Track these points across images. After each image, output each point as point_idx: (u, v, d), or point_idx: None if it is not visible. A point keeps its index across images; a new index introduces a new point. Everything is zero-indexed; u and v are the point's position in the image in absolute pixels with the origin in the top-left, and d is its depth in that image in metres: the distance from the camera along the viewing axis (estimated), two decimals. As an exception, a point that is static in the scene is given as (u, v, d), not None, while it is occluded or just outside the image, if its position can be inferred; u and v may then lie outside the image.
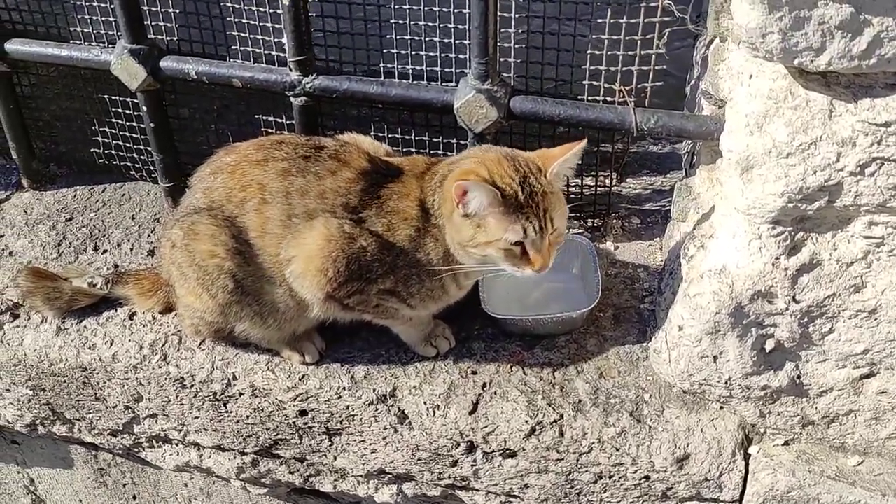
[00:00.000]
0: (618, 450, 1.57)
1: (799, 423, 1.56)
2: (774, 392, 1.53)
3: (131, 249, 2.02)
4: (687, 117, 1.64)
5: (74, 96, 2.19)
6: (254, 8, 1.84)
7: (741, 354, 1.49)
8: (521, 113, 1.71)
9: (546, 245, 1.47)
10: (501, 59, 1.71)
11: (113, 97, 2.08)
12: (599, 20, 1.65)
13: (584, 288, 1.79)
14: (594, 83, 1.72)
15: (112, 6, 1.88)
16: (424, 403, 1.64)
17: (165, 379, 1.76)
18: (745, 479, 1.56)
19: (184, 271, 1.59)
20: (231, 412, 1.77)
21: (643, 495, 1.61)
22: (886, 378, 1.47)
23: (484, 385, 1.66)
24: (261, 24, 1.85)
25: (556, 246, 1.50)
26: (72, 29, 2.02)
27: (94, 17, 1.97)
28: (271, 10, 1.81)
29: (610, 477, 1.59)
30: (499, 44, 1.67)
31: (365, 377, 1.68)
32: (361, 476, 1.80)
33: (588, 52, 1.69)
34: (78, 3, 1.97)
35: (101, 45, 1.98)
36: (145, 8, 1.91)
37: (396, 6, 1.74)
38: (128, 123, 2.10)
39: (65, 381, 1.85)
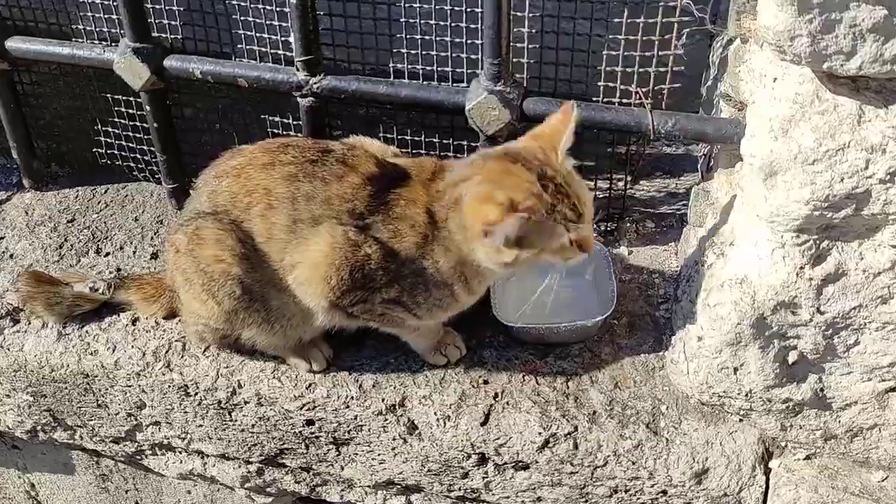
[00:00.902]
0: (634, 463, 1.52)
1: (821, 436, 1.51)
2: (797, 405, 1.48)
3: (134, 252, 1.98)
4: (705, 120, 1.59)
5: (76, 95, 2.15)
6: (260, 6, 1.79)
7: (763, 366, 1.44)
8: (534, 115, 1.66)
9: (588, 226, 1.43)
10: (514, 60, 1.67)
11: (116, 96, 2.03)
12: (616, 19, 1.60)
13: (598, 294, 1.75)
14: (609, 84, 1.67)
15: (115, 3, 1.84)
16: (435, 414, 1.59)
17: (169, 386, 1.72)
18: (765, 494, 1.51)
19: (188, 277, 1.55)
20: (236, 421, 1.72)
21: (659, 509, 1.57)
22: (913, 391, 1.43)
23: (496, 395, 1.61)
24: (267, 22, 1.80)
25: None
26: (74, 26, 1.98)
27: (97, 15, 1.92)
28: (278, 9, 1.77)
29: (626, 491, 1.55)
30: (512, 43, 1.62)
31: (373, 386, 1.64)
32: (369, 486, 1.76)
33: (604, 52, 1.65)
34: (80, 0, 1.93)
35: (104, 43, 1.94)
36: (149, 5, 1.86)
37: (406, 4, 1.70)
38: (130, 123, 2.06)
39: (66, 388, 1.81)
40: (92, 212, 2.10)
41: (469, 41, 1.69)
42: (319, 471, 1.78)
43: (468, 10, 1.66)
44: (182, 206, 2.00)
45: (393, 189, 1.49)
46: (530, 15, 1.64)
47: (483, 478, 1.63)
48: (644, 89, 1.65)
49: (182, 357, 1.72)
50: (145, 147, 2.08)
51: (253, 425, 1.72)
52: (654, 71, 1.63)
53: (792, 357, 1.44)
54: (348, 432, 1.66)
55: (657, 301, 1.77)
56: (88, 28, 1.95)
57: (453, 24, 1.69)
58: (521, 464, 1.58)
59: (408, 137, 1.87)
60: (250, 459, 1.81)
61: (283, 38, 1.79)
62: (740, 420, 1.55)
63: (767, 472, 1.53)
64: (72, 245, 2.01)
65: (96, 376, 1.76)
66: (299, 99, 1.80)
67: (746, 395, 1.49)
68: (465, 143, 1.82)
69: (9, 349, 1.80)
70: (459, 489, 1.66)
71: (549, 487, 1.59)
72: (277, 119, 1.92)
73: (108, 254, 1.98)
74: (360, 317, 1.55)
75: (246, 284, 1.51)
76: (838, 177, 1.26)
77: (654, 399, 1.59)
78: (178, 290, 1.63)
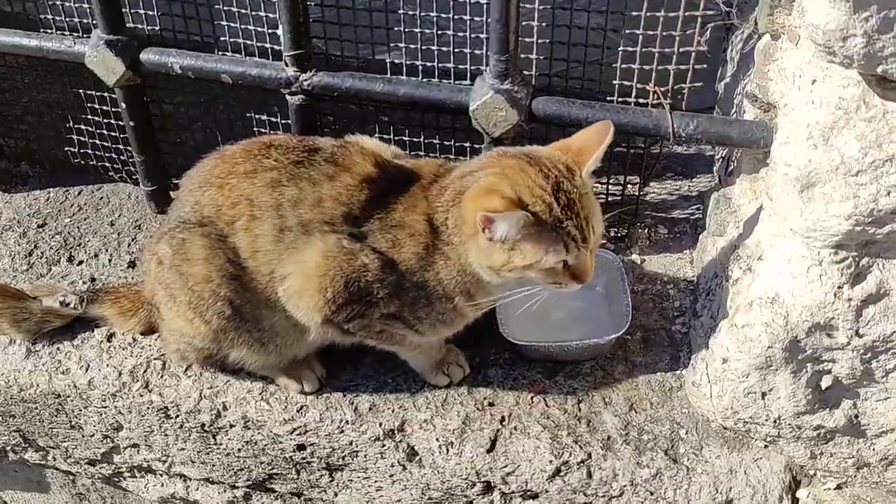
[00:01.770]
0: (652, 494, 1.41)
1: (853, 465, 1.41)
2: (829, 432, 1.38)
3: (110, 260, 1.84)
4: (730, 123, 1.47)
5: (47, 89, 2.00)
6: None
7: (794, 392, 1.34)
8: (544, 115, 1.53)
9: (590, 255, 1.30)
10: (522, 56, 1.54)
11: (89, 91, 1.88)
12: (633, 13, 1.48)
13: (610, 307, 1.63)
14: (625, 83, 1.55)
15: (86, -9, 1.69)
16: (437, 440, 1.47)
17: (148, 408, 1.59)
18: (793, 526, 1.41)
19: (173, 293, 1.42)
20: (221, 444, 1.60)
21: (678, 541, 1.47)
22: (954, 418, 1.33)
23: (503, 419, 1.49)
24: (253, 13, 1.66)
25: (596, 250, 1.34)
26: (42, 16, 1.83)
27: (68, 3, 1.77)
28: (264, -2, 1.63)
29: (643, 523, 1.44)
30: (520, 38, 1.49)
31: (370, 409, 1.52)
32: (365, 514, 1.65)
33: (619, 48, 1.52)
34: (49, -13, 1.78)
35: (76, 35, 1.79)
36: (123, -7, 1.72)
37: (406, -5, 1.57)
38: (105, 120, 1.91)
39: (36, 408, 1.67)
40: (64, 216, 1.96)
41: (473, 35, 1.56)
42: (311, 497, 1.66)
43: (472, 0, 1.53)
44: (161, 209, 1.87)
45: (392, 192, 1.36)
46: (540, 7, 1.51)
47: (488, 507, 1.52)
48: (663, 88, 1.53)
49: (161, 377, 1.59)
50: (122, 146, 1.94)
51: (239, 449, 1.59)
52: (673, 69, 1.51)
53: (826, 382, 1.33)
54: (343, 458, 1.54)
55: (673, 314, 1.66)
56: (58, 18, 1.80)
57: (456, 17, 1.56)
58: (529, 493, 1.47)
59: (406, 139, 1.74)
60: (236, 484, 1.69)
61: (270, 31, 1.65)
62: (766, 446, 1.45)
63: (795, 502, 1.43)
64: (42, 253, 1.86)
65: (69, 396, 1.63)
66: (288, 96, 1.66)
67: (775, 421, 1.38)
68: (467, 144, 1.69)
69: (-27, 367, 1.66)
70: (463, 518, 1.55)
71: (560, 518, 1.48)
72: (264, 117, 1.79)
73: (81, 262, 1.84)
74: (356, 333, 1.43)
75: (237, 305, 1.39)
76: (885, 190, 1.15)
77: (673, 423, 1.48)
78: (159, 306, 1.50)
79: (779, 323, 1.28)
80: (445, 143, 1.72)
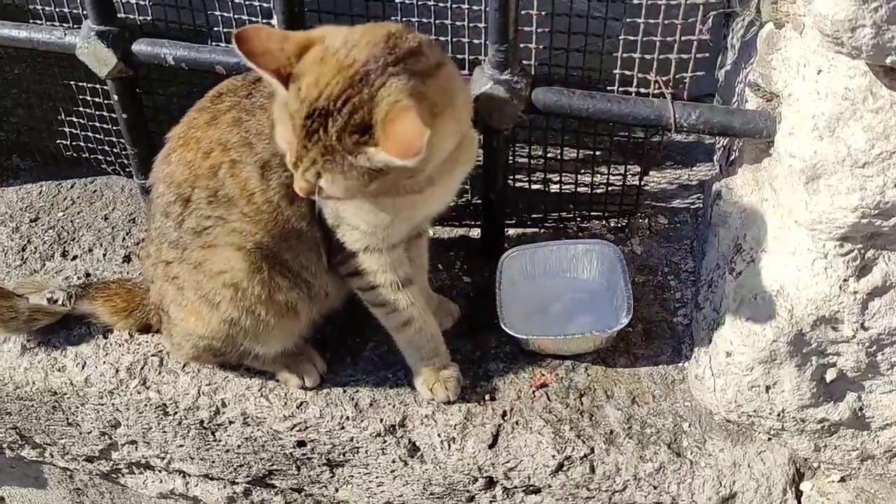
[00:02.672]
0: (655, 488, 1.41)
1: (857, 457, 1.40)
2: (833, 425, 1.37)
3: (104, 255, 1.81)
4: (732, 113, 1.45)
5: (38, 79, 1.97)
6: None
7: (798, 385, 1.33)
8: (544, 106, 1.51)
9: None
10: (521, 44, 1.51)
11: (81, 83, 1.85)
12: (635, 0, 1.45)
13: (612, 299, 1.62)
14: (626, 72, 1.52)
15: (76, -19, 1.66)
16: (438, 436, 1.46)
17: (145, 405, 1.57)
18: (797, 519, 1.41)
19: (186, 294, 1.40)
20: (220, 441, 1.59)
21: (681, 534, 1.46)
22: (959, 410, 1.32)
23: (504, 413, 1.48)
24: (247, 1, 1.63)
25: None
26: (32, 6, 1.79)
27: (57, -7, 1.74)
28: (258, -13, 1.60)
29: (646, 517, 1.44)
30: (519, 27, 1.46)
31: (371, 405, 1.50)
32: (366, 509, 1.64)
33: (620, 37, 1.49)
34: (37, -24, 1.74)
35: (66, 25, 1.75)
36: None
37: (402, -16, 1.54)
38: (98, 112, 1.88)
39: (33, 406, 1.66)
40: (57, 210, 1.93)
41: (471, 24, 1.54)
42: (312, 492, 1.65)
43: (470, -11, 1.50)
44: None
45: None
46: (540, -5, 1.49)
47: (490, 501, 1.51)
48: (664, 78, 1.51)
49: (159, 373, 1.57)
50: (114, 138, 1.91)
51: (239, 446, 1.58)
52: (675, 58, 1.48)
53: (830, 375, 1.32)
54: (343, 454, 1.52)
55: (674, 305, 1.65)
56: (48, 9, 1.76)
57: (454, 5, 1.53)
58: (532, 488, 1.46)
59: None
60: (236, 480, 1.68)
61: (264, 20, 1.62)
62: (769, 439, 1.44)
63: (799, 494, 1.42)
64: (35, 248, 1.84)
65: (65, 394, 1.61)
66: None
67: (779, 414, 1.37)
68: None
69: (-32, 365, 1.64)
70: (464, 513, 1.55)
71: (562, 512, 1.47)
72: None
73: (75, 257, 1.81)
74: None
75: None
76: (892, 181, 1.14)
77: (676, 416, 1.47)
78: (167, 308, 1.46)
79: (783, 316, 1.27)
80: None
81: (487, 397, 1.51)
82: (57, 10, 1.76)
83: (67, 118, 1.94)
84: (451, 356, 1.53)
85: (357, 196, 1.17)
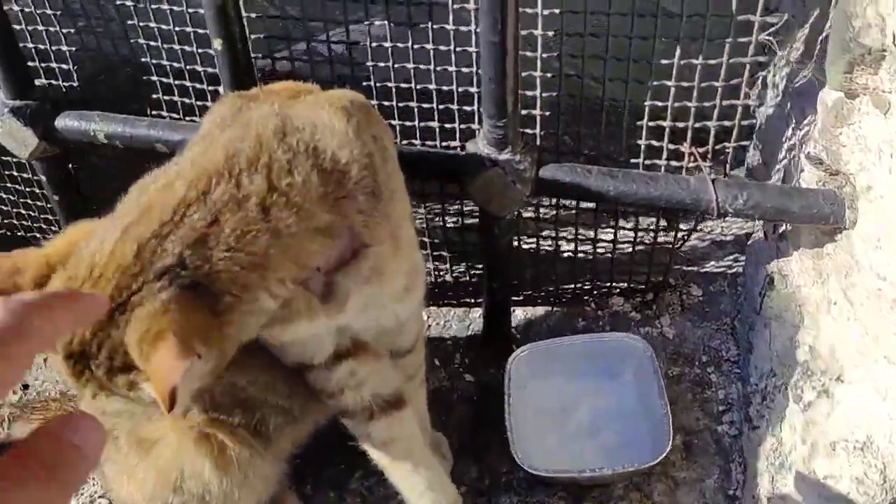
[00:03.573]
0: None
1: None
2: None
3: (45, 360, 1.55)
4: (788, 194, 1.16)
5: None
6: (177, 47, 1.33)
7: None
8: (554, 187, 1.23)
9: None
10: (524, 111, 1.23)
11: (5, 157, 1.57)
12: (663, 61, 1.16)
13: (643, 406, 1.36)
14: (654, 143, 1.24)
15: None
16: None
17: (95, 558, 1.33)
18: None
19: None
20: None
21: None
22: None
23: (520, 566, 1.23)
24: (188, 67, 1.35)
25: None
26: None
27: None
28: (200, 50, 1.31)
29: None
30: (521, 91, 1.18)
31: (359, 558, 1.26)
32: None
33: (646, 102, 1.21)
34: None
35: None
36: (30, 45, 1.40)
37: (374, 44, 1.24)
38: (28, 189, 1.61)
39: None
40: (-10, 303, 1.66)
41: (460, 90, 1.25)
42: None
43: (458, 49, 1.22)
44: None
45: None
46: (544, 56, 1.20)
47: None
48: (701, 149, 1.23)
49: (108, 521, 1.33)
50: (50, 216, 1.63)
51: None
52: (714, 125, 1.20)
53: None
54: None
55: (717, 409, 1.39)
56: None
57: (438, 67, 1.25)
58: None
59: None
60: None
61: (211, 88, 1.34)
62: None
63: None
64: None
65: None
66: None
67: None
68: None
69: None
70: None
71: None
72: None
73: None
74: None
75: None
76: None
77: (728, 562, 1.23)
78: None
79: (874, 479, 1.00)
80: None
81: (499, 542, 1.26)
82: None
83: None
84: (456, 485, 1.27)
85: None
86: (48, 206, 1.60)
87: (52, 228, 1.65)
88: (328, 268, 0.85)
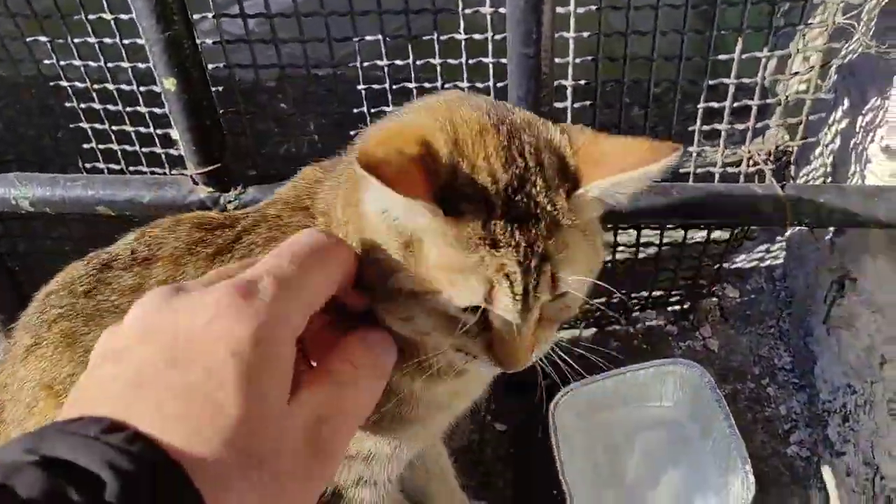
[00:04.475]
0: None
1: None
2: None
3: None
4: (873, 196, 1.01)
5: None
6: (111, 87, 1.06)
7: None
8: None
9: (530, 324, 0.62)
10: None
11: None
12: (722, 57, 0.97)
13: (704, 435, 1.20)
14: (707, 148, 1.06)
15: None
16: None
17: None
18: None
19: None
20: None
21: None
22: None
23: None
24: (127, 109, 1.09)
25: (555, 328, 0.68)
26: None
27: None
28: (142, 88, 1.05)
29: None
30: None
31: None
32: None
33: (700, 105, 1.02)
34: None
35: None
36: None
37: (367, 63, 1.01)
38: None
39: None
40: None
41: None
42: None
43: (471, 62, 0.99)
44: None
45: None
46: (577, 61, 0.99)
47: None
48: (763, 152, 1.05)
49: None
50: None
51: None
52: (777, 123, 1.03)
53: None
54: None
55: (782, 428, 1.25)
56: None
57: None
58: None
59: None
60: None
61: (159, 131, 1.09)
62: None
63: None
64: None
65: None
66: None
67: None
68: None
69: None
70: None
71: None
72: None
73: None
74: None
75: None
76: None
77: None
78: None
79: None
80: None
81: None
82: None
83: None
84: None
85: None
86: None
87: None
88: None
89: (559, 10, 0.89)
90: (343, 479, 0.80)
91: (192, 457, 0.40)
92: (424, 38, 0.97)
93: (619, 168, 0.61)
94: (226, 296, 0.45)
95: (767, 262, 1.43)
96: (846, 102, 1.14)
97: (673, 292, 1.35)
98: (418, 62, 1.00)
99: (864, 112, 1.09)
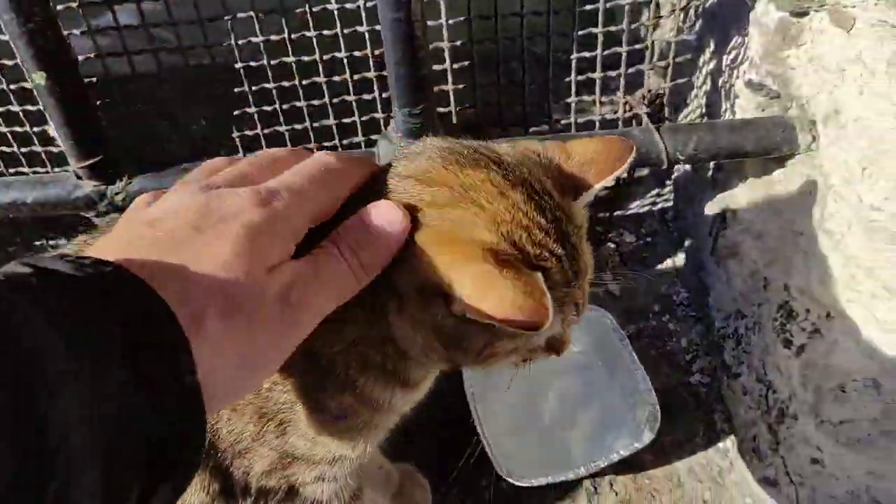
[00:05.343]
0: None
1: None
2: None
3: None
4: (740, 129, 1.07)
5: None
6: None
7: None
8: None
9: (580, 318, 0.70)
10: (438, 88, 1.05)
11: None
12: (588, 6, 1.01)
13: (611, 375, 1.26)
14: (585, 97, 1.10)
15: None
16: None
17: None
18: None
19: None
20: None
21: None
22: None
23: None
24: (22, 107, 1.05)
25: None
26: None
27: None
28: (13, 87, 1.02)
29: None
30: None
31: None
32: None
33: (572, 55, 1.06)
34: None
35: None
36: None
37: (242, 41, 1.01)
38: None
39: None
40: None
41: (357, 76, 1.05)
42: None
43: (346, 31, 1.00)
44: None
45: None
46: (450, 22, 1.01)
47: None
48: (636, 95, 1.10)
49: None
50: None
51: None
52: (648, 68, 1.08)
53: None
54: None
55: (684, 358, 1.31)
56: None
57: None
58: None
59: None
60: None
61: (37, 129, 1.06)
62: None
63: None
64: None
65: None
66: (97, 220, 1.09)
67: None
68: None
69: None
70: None
71: None
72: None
73: None
74: None
75: None
76: None
77: (740, 524, 1.17)
78: None
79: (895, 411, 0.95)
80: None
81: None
82: None
83: None
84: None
85: None
86: None
87: None
88: None
89: (426, -28, 0.91)
90: (302, 478, 0.80)
91: (173, 287, 0.44)
92: (297, 10, 0.98)
93: (611, 168, 0.66)
94: (251, 195, 0.50)
95: (660, 205, 1.49)
96: (712, 44, 1.20)
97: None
98: (293, 36, 1.00)
99: (727, 51, 1.15)
